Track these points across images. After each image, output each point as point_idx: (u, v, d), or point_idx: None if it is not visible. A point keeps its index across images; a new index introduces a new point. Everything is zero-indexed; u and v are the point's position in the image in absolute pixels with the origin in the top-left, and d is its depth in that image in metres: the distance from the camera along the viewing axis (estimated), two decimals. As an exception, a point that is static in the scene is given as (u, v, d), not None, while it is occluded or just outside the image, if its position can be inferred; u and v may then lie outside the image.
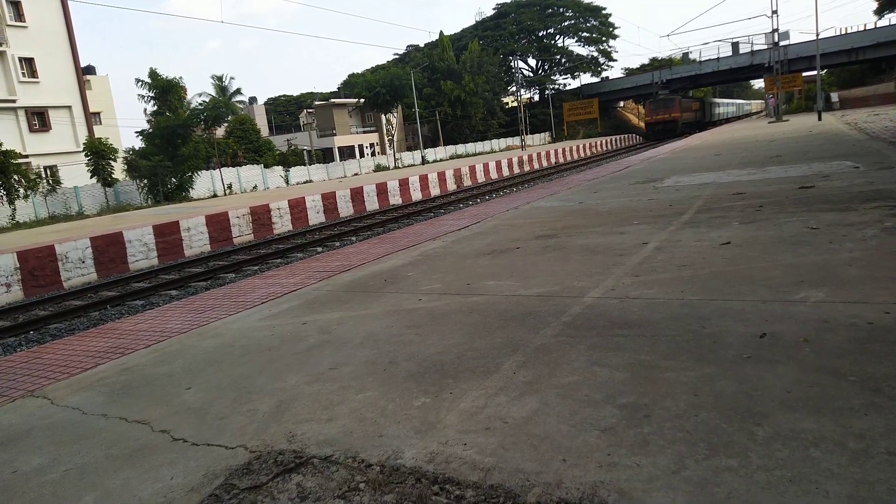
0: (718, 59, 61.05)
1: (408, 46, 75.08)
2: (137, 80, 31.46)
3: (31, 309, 10.91)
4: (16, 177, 23.20)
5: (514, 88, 27.98)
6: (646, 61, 78.32)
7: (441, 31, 68.38)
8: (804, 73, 55.97)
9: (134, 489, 2.62)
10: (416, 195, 24.85)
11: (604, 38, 72.87)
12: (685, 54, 60.29)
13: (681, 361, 3.30)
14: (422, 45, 72.01)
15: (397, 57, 73.04)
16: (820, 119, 34.53)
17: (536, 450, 2.53)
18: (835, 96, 57.51)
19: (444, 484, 2.35)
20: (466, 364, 3.60)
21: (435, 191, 26.33)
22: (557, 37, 73.02)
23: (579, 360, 3.45)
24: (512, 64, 66.13)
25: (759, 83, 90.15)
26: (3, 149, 22.82)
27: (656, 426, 2.63)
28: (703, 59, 61.76)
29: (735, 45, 56.14)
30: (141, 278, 12.80)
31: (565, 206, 10.65)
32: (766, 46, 48.03)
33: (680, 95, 57.63)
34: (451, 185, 27.97)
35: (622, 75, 76.26)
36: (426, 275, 6.27)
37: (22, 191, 23.68)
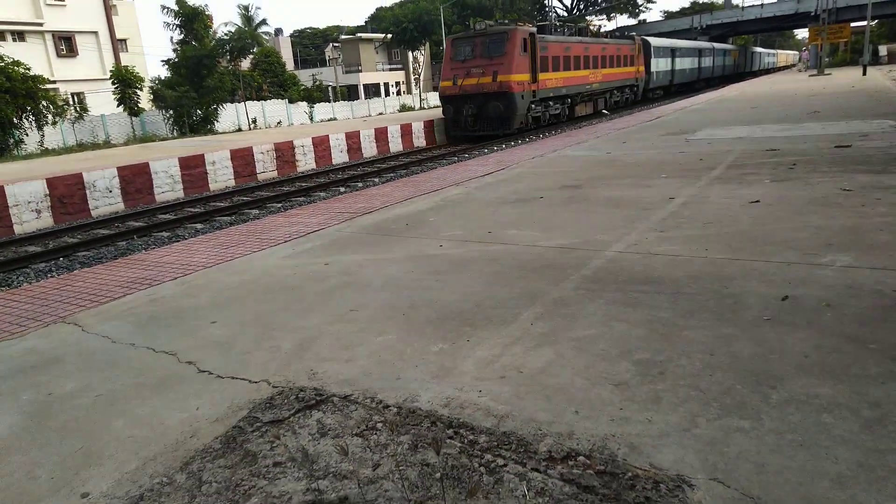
0: (763, 5, 58.17)
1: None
2: (163, 8, 31.03)
3: (61, 236, 11.17)
4: (44, 103, 23.29)
5: (545, 24, 28.05)
6: (686, 4, 75.00)
7: (471, -35, 65.89)
8: (852, 24, 52.91)
9: (161, 417, 2.74)
10: (441, 138, 24.58)
11: (644, -22, 69.68)
12: (727, -2, 57.49)
13: (699, 320, 3.30)
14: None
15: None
16: (865, 74, 33.07)
17: (550, 400, 2.59)
18: (883, 49, 54.52)
19: (458, 428, 2.43)
20: (485, 313, 3.64)
21: (460, 133, 25.98)
22: (595, -25, 69.98)
23: (597, 315, 3.47)
24: (545, 2, 63.69)
25: (803, 33, 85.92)
26: (32, 73, 22.84)
27: (670, 384, 2.66)
28: (745, 4, 58.90)
29: (781, -10, 53.33)
30: (167, 210, 12.98)
31: (592, 156, 10.47)
32: (813, -8, 45.51)
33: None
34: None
35: (661, 18, 73.31)
36: (448, 221, 6.28)
37: (50, 117, 23.82)
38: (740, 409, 2.42)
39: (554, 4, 68.37)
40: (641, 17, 72.07)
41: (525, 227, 5.73)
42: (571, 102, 26.10)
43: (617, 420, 2.41)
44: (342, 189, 14.23)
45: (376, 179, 15.24)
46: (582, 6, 71.48)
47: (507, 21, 25.77)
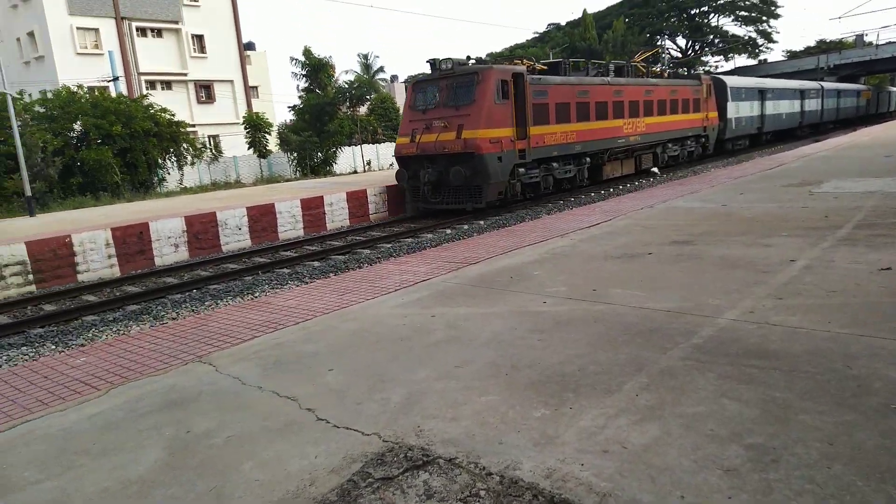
0: (902, 41, 53.89)
1: (548, 25, 73.76)
2: (292, 59, 33.70)
3: (194, 269, 12.28)
4: (185, 145, 25.87)
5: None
6: (811, 43, 71.06)
7: (584, 10, 66.47)
8: None
9: (284, 462, 3.00)
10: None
11: (764, 18, 67.01)
12: (859, 36, 53.79)
13: (819, 404, 3.15)
14: (563, 23, 70.37)
15: (537, 36, 71.97)
16: None
17: (654, 482, 2.58)
18: None
19: None
20: (588, 378, 3.66)
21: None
22: (711, 15, 68.17)
23: (707, 390, 3.40)
24: (659, 43, 62.80)
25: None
26: (175, 119, 25.49)
27: (784, 473, 2.57)
28: (880, 42, 54.83)
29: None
30: (288, 247, 13.92)
31: (706, 208, 10.15)
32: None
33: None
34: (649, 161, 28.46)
35: (783, 58, 69.84)
36: (552, 275, 6.33)
37: (190, 158, 26.39)
38: (861, 511, 2.30)
39: (667, 45, 67.18)
40: (761, 56, 69.06)
41: (631, 285, 5.68)
42: (593, 162, 19.79)
43: (724, 509, 2.36)
44: (448, 231, 14.61)
45: (482, 222, 15.52)
46: (697, 47, 69.65)
47: (486, 59, 18.80)
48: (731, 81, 29.69)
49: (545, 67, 18.60)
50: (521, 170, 16.62)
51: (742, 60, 68.60)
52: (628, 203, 11.75)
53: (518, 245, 8.12)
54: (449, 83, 16.03)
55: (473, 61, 16.73)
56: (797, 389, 3.32)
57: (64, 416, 3.77)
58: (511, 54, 54.51)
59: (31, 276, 11.18)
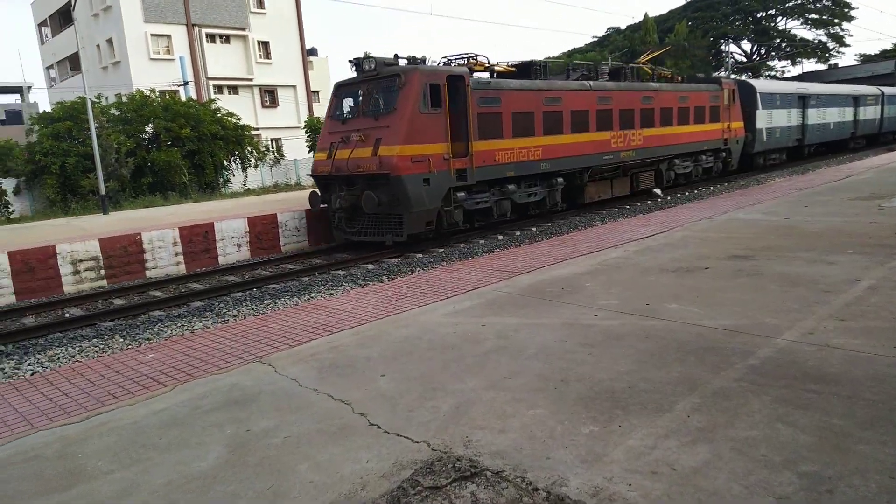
0: None
1: (608, 29, 72.64)
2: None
3: (255, 268, 12.71)
4: (249, 148, 26.80)
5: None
6: (888, 46, 67.48)
7: (646, 13, 65.20)
8: None
9: (338, 465, 3.11)
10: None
11: (836, 20, 64.09)
12: (944, 39, 50.60)
13: (879, 433, 3.05)
14: (623, 27, 69.23)
15: (595, 40, 71.03)
16: None
17: (702, 506, 2.56)
18: None
19: (605, 521, 2.50)
20: (638, 396, 3.65)
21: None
22: (779, 18, 65.71)
23: (761, 413, 3.34)
24: (722, 48, 60.91)
25: None
26: (241, 122, 26.43)
27: (839, 505, 2.51)
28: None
29: None
30: (342, 249, 14.23)
31: (768, 221, 9.84)
32: None
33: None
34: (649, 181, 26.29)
35: (856, 62, 66.63)
36: (604, 288, 6.29)
37: (253, 161, 27.31)
38: (921, 549, 2.23)
39: (731, 50, 65.18)
40: (832, 61, 66.11)
41: (686, 301, 5.59)
42: (570, 183, 16.20)
43: (774, 539, 2.33)
44: (499, 237, 14.61)
45: (534, 228, 15.44)
46: (762, 52, 67.33)
47: (416, 59, 13.39)
48: (761, 86, 25.36)
49: (513, 69, 15.39)
50: (461, 194, 13.21)
51: (811, 65, 65.87)
52: (686, 214, 11.50)
53: (570, 255, 8.09)
54: (371, 87, 12.95)
55: (405, 61, 13.15)
56: (857, 417, 3.22)
57: (133, 410, 4.01)
58: (568, 59, 54.03)
59: (102, 272, 11.82)
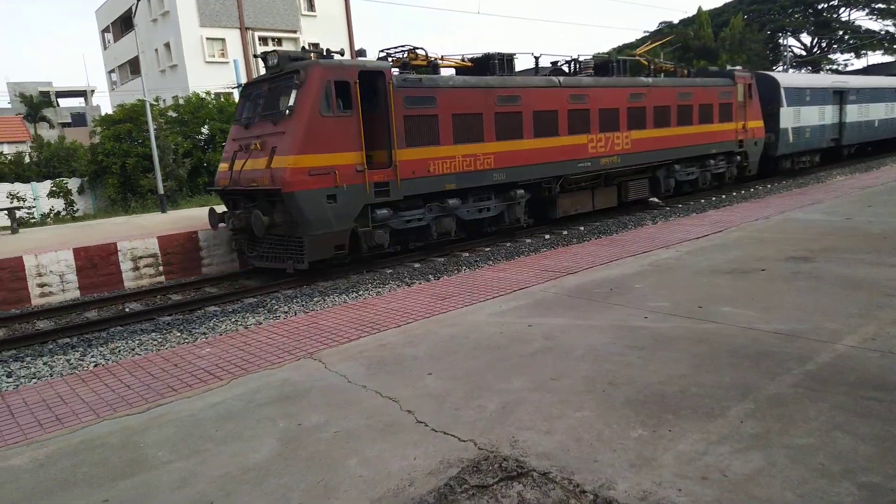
0: None
1: (660, 23, 70.94)
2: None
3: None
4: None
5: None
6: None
7: (699, 7, 63.45)
8: None
9: (386, 461, 3.17)
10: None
11: (906, 9, 60.94)
12: None
13: (948, 446, 2.92)
14: (676, 21, 67.59)
15: (647, 35, 69.55)
16: None
17: (755, 514, 2.51)
18: None
19: (654, 526, 2.47)
20: (689, 401, 3.58)
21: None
22: (842, 9, 62.95)
23: (819, 420, 3.23)
24: (780, 41, 58.77)
25: None
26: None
27: (902, 519, 2.42)
28: None
29: None
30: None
31: (828, 221, 9.47)
32: None
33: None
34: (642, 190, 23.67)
35: (928, 53, 63.19)
36: (654, 289, 6.18)
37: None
38: None
39: (790, 44, 62.86)
40: (902, 52, 62.89)
41: (741, 304, 5.44)
42: (537, 194, 13.91)
43: (832, 551, 2.26)
44: (546, 236, 14.50)
45: (581, 227, 15.25)
46: (823, 45, 64.66)
47: (324, 51, 11.56)
48: (786, 80, 22.12)
49: (469, 64, 13.52)
50: (384, 211, 11.10)
51: (877, 58, 62.85)
52: (741, 213, 11.17)
53: (619, 256, 7.98)
54: (272, 87, 11.04)
55: (314, 55, 11.20)
56: (923, 428, 3.09)
57: (191, 402, 4.17)
58: (618, 55, 53.10)
59: (161, 268, 12.29)
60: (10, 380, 6.69)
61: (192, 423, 3.82)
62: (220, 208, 12.30)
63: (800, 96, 22.18)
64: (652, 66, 17.55)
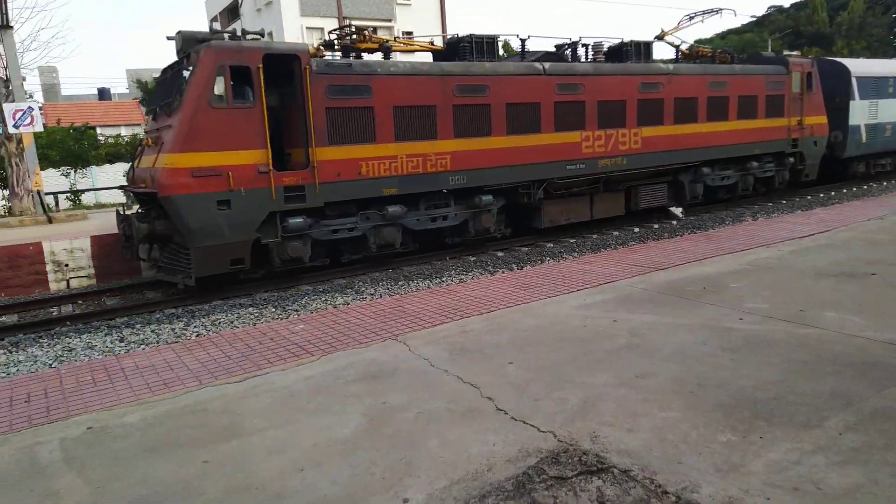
0: None
1: (769, 8, 66.68)
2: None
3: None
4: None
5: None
6: None
7: (815, -11, 59.04)
8: None
9: (465, 445, 3.24)
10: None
11: None
12: None
13: None
14: (787, 5, 63.27)
15: (754, 20, 65.54)
16: None
17: (852, 532, 2.38)
18: None
19: (739, 533, 2.40)
20: (784, 408, 3.42)
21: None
22: None
23: (930, 440, 3.00)
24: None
25: None
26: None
27: None
28: None
29: None
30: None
31: (953, 224, 8.66)
32: None
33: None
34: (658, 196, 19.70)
35: None
36: (752, 289, 5.90)
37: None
38: None
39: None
40: None
41: (847, 309, 5.10)
42: (514, 200, 11.83)
43: (938, 579, 2.11)
44: (635, 229, 14.06)
45: (674, 221, 14.68)
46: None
47: (241, 33, 9.44)
48: (858, 67, 18.25)
49: (440, 48, 11.89)
50: (298, 220, 9.38)
51: None
52: (852, 212, 10.40)
53: (715, 253, 7.65)
54: (173, 73, 9.59)
55: (263, 36, 9.84)
56: None
57: (284, 375, 4.42)
58: (720, 42, 50.48)
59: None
60: (122, 344, 7.30)
61: (285, 395, 4.05)
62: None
63: (878, 87, 18.57)
64: (680, 51, 15.34)
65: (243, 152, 8.83)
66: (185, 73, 8.75)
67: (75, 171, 21.82)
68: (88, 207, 19.72)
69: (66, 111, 38.17)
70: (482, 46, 11.46)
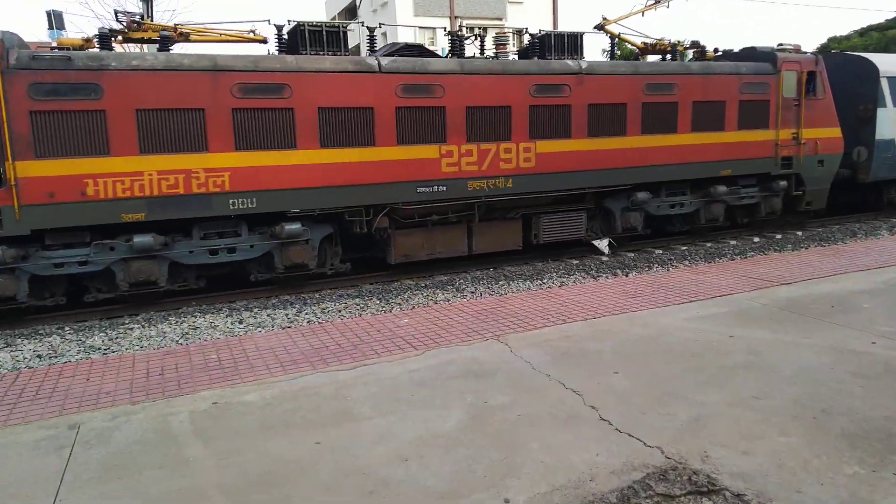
0: None
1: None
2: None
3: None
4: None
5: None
6: None
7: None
8: None
9: (567, 452, 3.21)
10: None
11: None
12: None
13: None
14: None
15: (901, 14, 59.43)
16: None
17: None
18: None
19: (867, 576, 2.22)
20: (924, 445, 3.12)
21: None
22: None
23: None
24: None
25: None
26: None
27: None
28: None
29: None
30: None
31: None
32: None
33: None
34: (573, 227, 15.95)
35: None
36: (887, 310, 5.40)
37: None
38: None
39: None
40: None
41: None
42: (348, 230, 9.40)
43: None
44: (756, 239, 13.22)
45: (778, 235, 13.65)
46: None
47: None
48: (888, 64, 13.43)
49: (261, 38, 9.50)
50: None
51: None
52: None
53: (845, 269, 7.07)
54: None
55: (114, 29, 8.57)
56: None
57: (391, 366, 4.57)
58: (859, 40, 46.28)
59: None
60: (241, 326, 7.81)
61: (392, 386, 4.19)
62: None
63: None
64: (629, 44, 12.37)
65: None
66: None
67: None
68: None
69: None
70: (328, 38, 9.21)
